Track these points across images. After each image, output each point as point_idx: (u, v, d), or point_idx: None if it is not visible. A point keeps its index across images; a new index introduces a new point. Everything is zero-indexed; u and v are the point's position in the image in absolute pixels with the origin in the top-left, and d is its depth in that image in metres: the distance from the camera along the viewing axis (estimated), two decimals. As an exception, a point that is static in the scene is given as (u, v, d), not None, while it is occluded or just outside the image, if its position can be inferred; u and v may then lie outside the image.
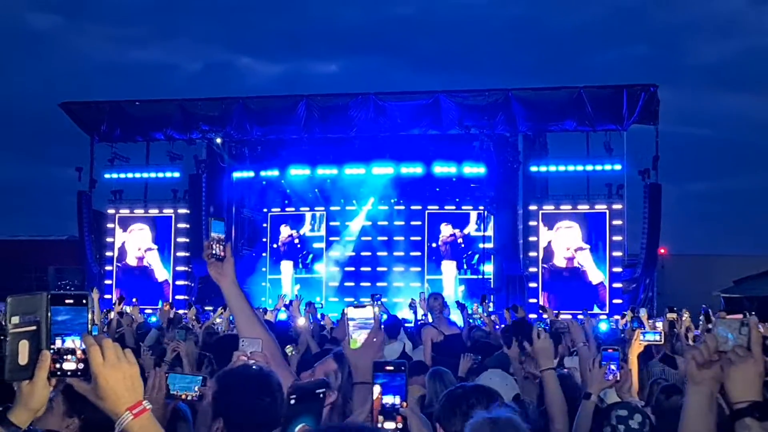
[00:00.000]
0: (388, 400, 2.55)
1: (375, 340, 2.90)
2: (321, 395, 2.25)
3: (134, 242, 26.52)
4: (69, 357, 1.99)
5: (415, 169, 25.20)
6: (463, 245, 25.79)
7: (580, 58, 67.20)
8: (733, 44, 74.56)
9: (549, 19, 73.14)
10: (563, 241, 24.47)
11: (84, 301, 2.01)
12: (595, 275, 24.22)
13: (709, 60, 74.17)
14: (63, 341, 1.99)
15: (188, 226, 25.96)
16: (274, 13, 73.58)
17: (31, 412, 2.06)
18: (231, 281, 3.62)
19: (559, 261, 24.46)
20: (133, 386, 2.02)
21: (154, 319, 14.89)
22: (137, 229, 26.65)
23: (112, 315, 15.07)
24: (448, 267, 25.61)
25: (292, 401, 2.27)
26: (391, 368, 2.59)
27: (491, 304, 22.61)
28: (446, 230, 25.76)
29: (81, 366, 2.00)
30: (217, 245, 3.64)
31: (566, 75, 63.72)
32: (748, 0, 75.82)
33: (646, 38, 74.06)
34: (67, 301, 2.00)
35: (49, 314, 1.98)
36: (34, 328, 1.98)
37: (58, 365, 1.99)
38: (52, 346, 1.99)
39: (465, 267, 25.77)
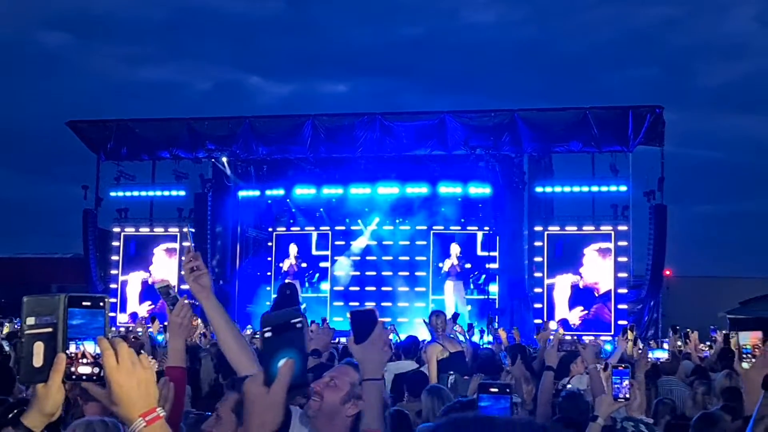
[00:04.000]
0: None
1: (380, 335, 2.91)
2: (298, 325, 2.13)
3: (161, 267, 26.22)
4: (84, 361, 1.97)
5: (421, 189, 25.19)
6: (469, 266, 25.65)
7: (588, 80, 67.42)
8: (742, 66, 74.74)
9: (558, 41, 73.46)
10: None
11: (101, 304, 1.99)
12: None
13: (718, 82, 74.37)
14: (77, 345, 1.97)
15: (193, 244, 25.86)
16: (283, 33, 74.06)
17: (45, 417, 2.03)
18: (212, 293, 3.60)
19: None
20: (148, 392, 1.97)
21: (161, 337, 14.92)
22: (166, 250, 26.50)
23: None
24: (454, 287, 25.46)
25: (268, 335, 2.13)
26: (496, 390, 2.56)
27: (496, 325, 22.64)
28: (455, 250, 25.63)
29: (96, 370, 1.97)
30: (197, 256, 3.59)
31: (574, 97, 63.96)
32: (757, 23, 76.15)
33: (654, 60, 74.38)
34: (84, 303, 1.96)
35: (66, 316, 1.95)
36: (50, 330, 1.95)
37: (73, 369, 1.96)
38: (68, 350, 1.96)
39: (471, 287, 25.65)
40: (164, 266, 26.29)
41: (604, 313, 24.02)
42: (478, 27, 74.20)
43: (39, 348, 1.95)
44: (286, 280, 26.06)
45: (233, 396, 3.20)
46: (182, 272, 3.59)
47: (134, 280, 26.60)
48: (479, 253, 25.81)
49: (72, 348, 1.96)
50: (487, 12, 74.65)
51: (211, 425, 3.21)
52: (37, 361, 1.96)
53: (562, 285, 24.35)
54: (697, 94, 70.02)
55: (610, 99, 72.52)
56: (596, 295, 24.18)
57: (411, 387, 7.57)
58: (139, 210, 27.56)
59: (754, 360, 3.38)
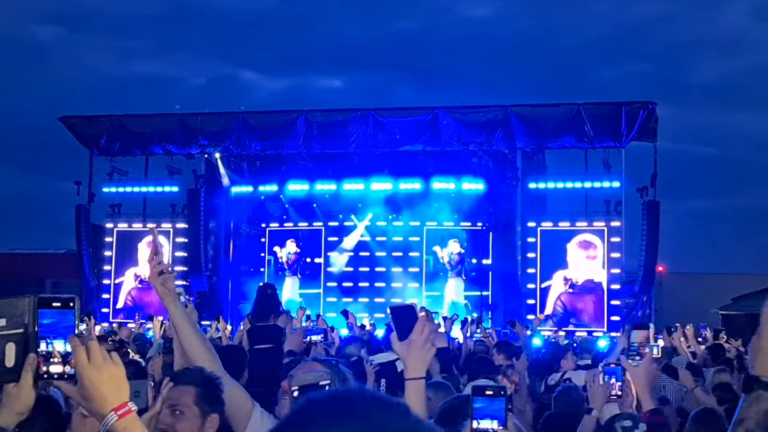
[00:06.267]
0: (486, 425, 2.54)
1: (422, 332, 2.88)
2: (325, 387, 2.15)
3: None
4: (55, 360, 1.98)
5: (414, 185, 25.18)
6: (466, 261, 25.61)
7: (583, 75, 67.42)
8: (737, 62, 74.79)
9: (553, 36, 73.39)
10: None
11: (71, 305, 2.01)
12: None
13: (713, 78, 74.43)
14: (48, 344, 1.98)
15: (186, 240, 25.94)
16: (278, 28, 73.83)
17: (16, 416, 2.05)
18: (177, 297, 3.56)
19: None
20: (119, 387, 2.01)
21: (152, 333, 14.94)
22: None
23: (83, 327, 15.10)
24: (453, 283, 25.41)
25: (295, 394, 2.14)
26: (491, 393, 2.58)
27: (490, 321, 22.73)
28: (454, 246, 25.54)
29: (67, 369, 1.99)
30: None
31: (569, 92, 63.87)
32: (752, 18, 76.23)
33: (648, 56, 74.30)
34: (54, 304, 1.99)
35: (36, 317, 1.96)
36: (21, 330, 1.97)
37: (44, 368, 1.98)
38: (39, 349, 1.98)
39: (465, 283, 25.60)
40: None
41: (597, 308, 24.08)
42: (474, 21, 74.18)
43: (10, 349, 1.97)
44: (287, 275, 26.23)
45: (189, 389, 3.20)
46: (149, 275, 3.51)
47: (127, 276, 26.64)
48: (473, 249, 25.77)
49: (43, 347, 1.97)
50: (483, 6, 74.66)
51: (168, 422, 3.20)
52: (9, 361, 1.97)
53: (557, 280, 24.43)
54: (692, 90, 70.14)
55: (604, 94, 72.64)
56: (582, 287, 24.30)
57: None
58: (132, 206, 27.58)
59: (639, 358, 3.42)
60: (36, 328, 1.96)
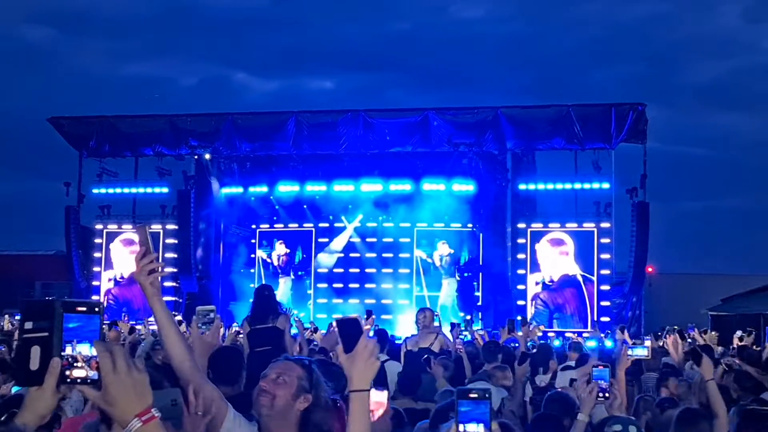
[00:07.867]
0: (471, 428, 2.58)
1: (366, 346, 2.93)
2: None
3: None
4: (79, 364, 2.01)
5: (404, 186, 25.20)
6: (456, 263, 25.66)
7: (574, 76, 67.72)
8: (727, 63, 75.22)
9: (545, 37, 73.63)
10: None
11: (96, 309, 2.04)
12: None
13: (703, 79, 74.79)
14: (73, 348, 2.01)
15: (176, 241, 25.88)
16: (269, 29, 73.83)
17: (38, 418, 2.08)
18: (161, 296, 3.54)
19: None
20: (143, 393, 2.05)
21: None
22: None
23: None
24: (446, 284, 25.45)
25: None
26: (475, 395, 2.62)
27: (480, 322, 22.81)
28: (443, 248, 25.58)
29: (91, 373, 2.02)
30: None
31: (561, 93, 64.13)
32: (742, 19, 76.63)
33: (640, 57, 74.59)
34: (79, 308, 2.01)
35: (61, 321, 2.00)
36: (46, 334, 2.00)
37: (68, 372, 2.01)
38: (63, 353, 2.01)
39: (457, 284, 25.65)
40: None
41: (578, 300, 24.17)
42: (467, 22, 74.35)
43: (35, 352, 2.00)
44: (280, 278, 26.19)
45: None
46: (136, 273, 3.43)
47: (103, 279, 26.63)
48: (463, 250, 25.84)
49: (68, 350, 2.00)
50: (475, 7, 74.84)
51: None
52: (33, 364, 2.00)
53: (530, 284, 24.53)
54: (683, 91, 70.49)
55: (595, 95, 72.97)
56: (559, 282, 24.38)
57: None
58: (122, 207, 27.55)
59: None
60: (61, 332, 1.99)
